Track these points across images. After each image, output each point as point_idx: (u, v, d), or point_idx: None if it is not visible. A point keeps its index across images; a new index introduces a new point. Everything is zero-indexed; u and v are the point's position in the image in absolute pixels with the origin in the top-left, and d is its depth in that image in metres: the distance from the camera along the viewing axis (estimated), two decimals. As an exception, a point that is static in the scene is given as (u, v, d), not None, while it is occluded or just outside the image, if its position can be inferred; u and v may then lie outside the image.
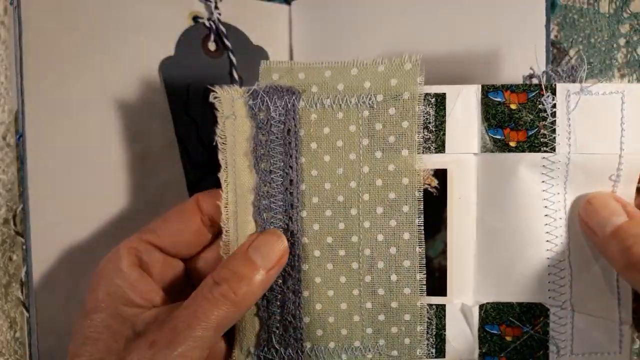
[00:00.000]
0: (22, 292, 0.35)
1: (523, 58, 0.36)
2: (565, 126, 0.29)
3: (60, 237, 0.35)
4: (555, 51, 0.39)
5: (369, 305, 0.30)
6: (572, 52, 0.38)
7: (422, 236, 0.30)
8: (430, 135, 0.30)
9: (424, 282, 0.30)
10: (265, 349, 0.30)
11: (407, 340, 0.30)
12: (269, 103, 0.29)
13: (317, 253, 0.30)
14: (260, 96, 0.29)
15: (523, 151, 0.29)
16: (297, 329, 0.30)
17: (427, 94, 0.30)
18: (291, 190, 0.30)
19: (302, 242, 0.30)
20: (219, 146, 0.30)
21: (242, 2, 0.42)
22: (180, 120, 0.38)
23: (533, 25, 0.36)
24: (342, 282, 0.30)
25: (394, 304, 0.30)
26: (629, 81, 0.38)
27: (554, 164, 0.29)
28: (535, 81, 0.30)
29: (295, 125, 0.29)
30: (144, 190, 0.37)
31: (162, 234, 0.31)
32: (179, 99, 0.39)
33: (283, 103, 0.29)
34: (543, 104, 0.29)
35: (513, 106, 0.29)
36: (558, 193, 0.30)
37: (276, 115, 0.29)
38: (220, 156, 0.30)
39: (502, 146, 0.30)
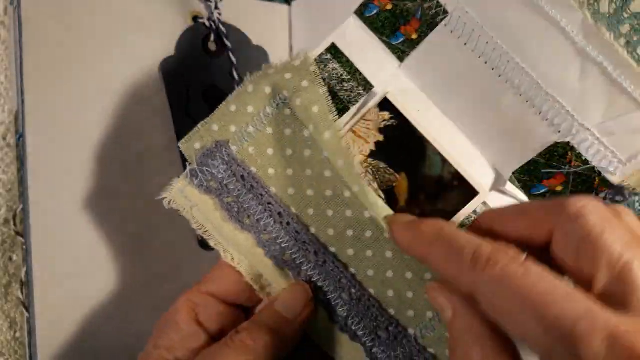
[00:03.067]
0: (22, 292, 0.35)
1: None
2: None
3: (60, 237, 0.35)
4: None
5: (409, 275, 0.28)
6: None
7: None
8: (352, 83, 0.29)
9: None
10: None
11: None
12: (210, 169, 0.29)
13: (350, 252, 0.29)
14: (199, 171, 0.29)
15: (425, 35, 0.29)
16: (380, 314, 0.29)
17: (320, 55, 0.29)
18: (287, 221, 0.29)
19: (331, 252, 0.29)
20: (205, 236, 0.30)
21: (242, 2, 0.42)
22: (180, 120, 0.38)
23: None
24: (386, 259, 0.29)
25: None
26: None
27: (459, 20, 0.28)
28: None
29: (243, 169, 0.30)
30: (143, 190, 0.37)
31: (220, 283, 0.30)
32: (179, 99, 0.39)
33: (220, 160, 0.29)
34: None
35: (389, 6, 0.29)
36: (479, 36, 0.28)
37: (223, 173, 0.29)
38: (212, 244, 0.30)
39: (410, 44, 0.29)
